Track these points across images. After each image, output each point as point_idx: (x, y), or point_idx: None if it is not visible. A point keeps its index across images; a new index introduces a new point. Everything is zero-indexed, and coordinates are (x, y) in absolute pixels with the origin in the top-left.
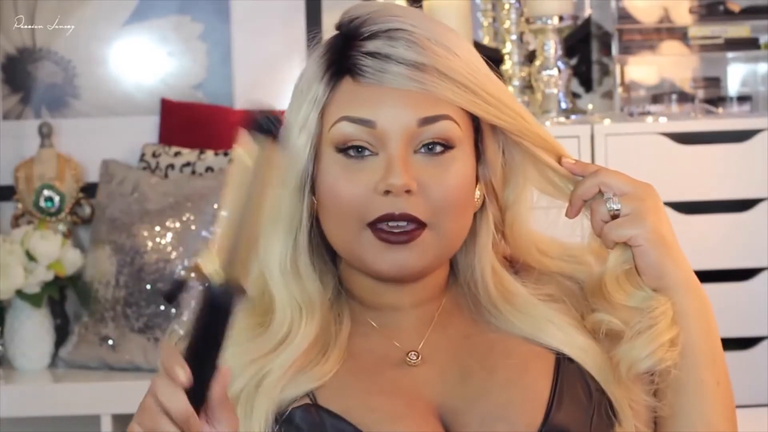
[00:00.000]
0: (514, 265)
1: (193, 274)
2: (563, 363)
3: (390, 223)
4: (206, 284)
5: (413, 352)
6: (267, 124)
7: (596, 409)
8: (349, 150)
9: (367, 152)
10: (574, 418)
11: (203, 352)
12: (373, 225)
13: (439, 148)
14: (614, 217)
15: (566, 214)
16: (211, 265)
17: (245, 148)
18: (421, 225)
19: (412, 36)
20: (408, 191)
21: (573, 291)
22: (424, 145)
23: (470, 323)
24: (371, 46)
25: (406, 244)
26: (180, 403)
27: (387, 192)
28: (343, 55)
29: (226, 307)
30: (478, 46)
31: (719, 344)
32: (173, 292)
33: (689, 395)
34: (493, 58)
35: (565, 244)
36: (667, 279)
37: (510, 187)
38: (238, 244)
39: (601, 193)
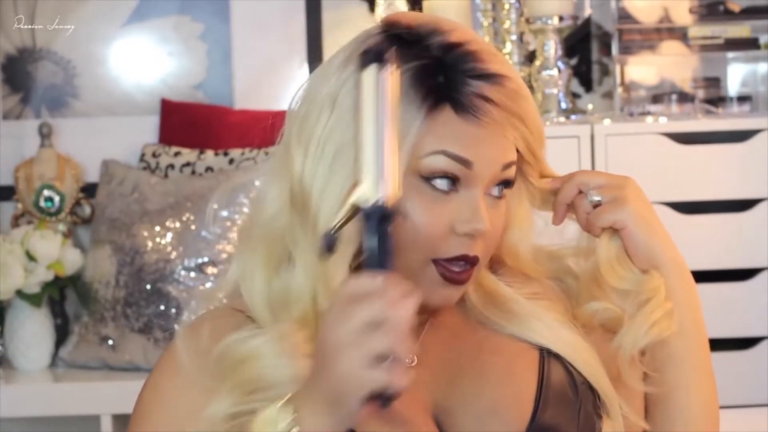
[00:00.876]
0: (498, 266)
1: (344, 213)
2: (547, 359)
3: (459, 262)
4: (366, 212)
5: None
6: (380, 55)
7: (583, 403)
8: (436, 180)
9: (452, 188)
10: (561, 413)
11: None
12: (443, 262)
13: (504, 191)
14: (596, 207)
15: (553, 222)
16: (362, 192)
17: (367, 76)
18: (477, 263)
19: (512, 84)
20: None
21: (557, 290)
22: (495, 186)
23: (459, 324)
24: (484, 88)
25: (463, 284)
26: (409, 311)
27: (468, 234)
28: (448, 85)
29: (388, 223)
30: None
31: (703, 321)
32: (329, 244)
33: (684, 369)
34: None
35: (547, 247)
36: (657, 259)
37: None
38: (382, 161)
39: (581, 193)
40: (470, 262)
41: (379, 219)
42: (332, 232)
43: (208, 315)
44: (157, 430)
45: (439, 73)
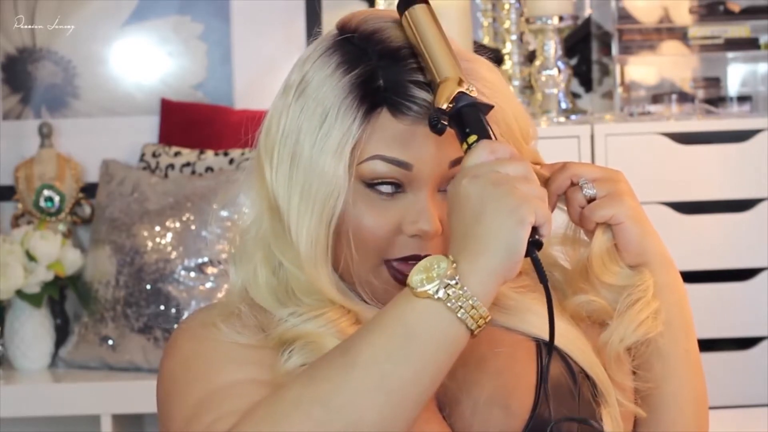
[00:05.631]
0: None
1: (444, 107)
2: (544, 349)
3: (410, 261)
4: (468, 102)
5: None
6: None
7: (581, 391)
8: (379, 186)
9: (397, 190)
10: (561, 401)
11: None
12: (390, 262)
13: None
14: (591, 200)
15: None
16: (446, 92)
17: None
18: None
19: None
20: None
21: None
22: (448, 183)
23: None
24: (418, 86)
25: None
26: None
27: (416, 235)
28: (385, 88)
29: (476, 104)
30: (478, 46)
31: (691, 313)
32: (435, 122)
33: (672, 363)
34: (493, 58)
35: None
36: (647, 255)
37: None
38: (450, 64)
39: (573, 184)
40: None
41: (476, 105)
42: (442, 114)
43: (206, 308)
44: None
45: (378, 77)
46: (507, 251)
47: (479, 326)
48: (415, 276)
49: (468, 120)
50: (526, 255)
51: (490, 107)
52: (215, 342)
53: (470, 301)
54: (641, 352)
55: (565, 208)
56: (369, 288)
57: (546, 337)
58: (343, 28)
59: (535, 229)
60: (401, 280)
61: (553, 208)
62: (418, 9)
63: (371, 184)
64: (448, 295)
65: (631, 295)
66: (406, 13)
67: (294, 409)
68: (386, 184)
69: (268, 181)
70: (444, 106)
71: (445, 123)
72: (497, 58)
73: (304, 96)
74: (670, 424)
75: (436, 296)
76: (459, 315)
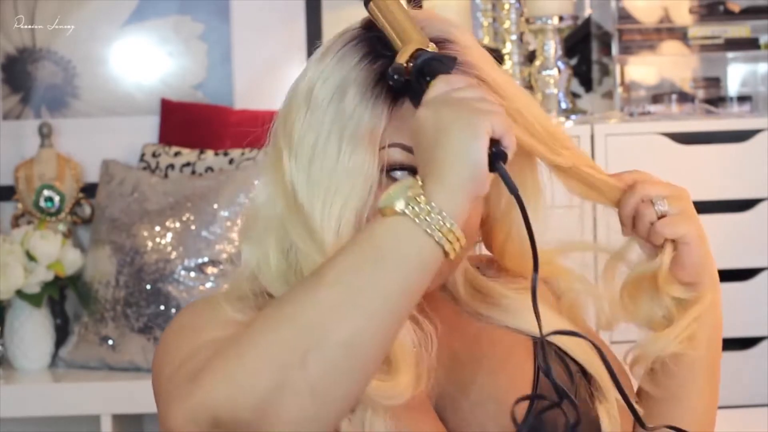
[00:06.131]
0: (488, 268)
1: (407, 57)
2: (546, 347)
3: None
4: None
5: None
6: None
7: (578, 389)
8: (395, 172)
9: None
10: (553, 414)
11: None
12: None
13: None
14: (660, 216)
15: (623, 234)
16: (408, 50)
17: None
18: None
19: (475, 72)
20: None
21: (541, 282)
22: None
23: (455, 317)
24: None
25: None
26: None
27: None
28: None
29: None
30: None
31: (721, 333)
32: (396, 74)
33: (698, 374)
34: (493, 58)
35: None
36: (704, 276)
37: (500, 200)
38: (415, 32)
39: (643, 201)
40: None
41: (437, 58)
42: (401, 68)
43: (213, 293)
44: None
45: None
46: (468, 165)
47: (452, 246)
48: (385, 198)
49: (430, 72)
50: (491, 169)
51: (453, 59)
52: (214, 312)
53: (437, 216)
54: (671, 360)
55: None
56: None
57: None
58: (367, 25)
59: (497, 142)
60: None
61: (630, 231)
62: (378, 3)
63: (389, 170)
64: (413, 209)
65: (688, 309)
66: (371, 3)
67: (263, 331)
68: (403, 170)
69: (287, 168)
70: (403, 62)
71: (401, 77)
72: (497, 58)
73: (328, 85)
74: (679, 422)
75: (402, 211)
76: (426, 229)
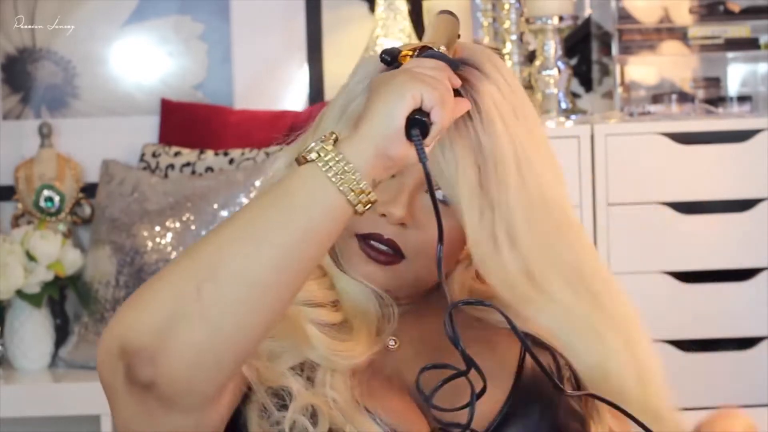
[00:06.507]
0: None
1: (412, 47)
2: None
3: (374, 242)
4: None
5: (392, 339)
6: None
7: (563, 379)
8: None
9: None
10: (543, 381)
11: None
12: (361, 237)
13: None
14: None
15: None
16: (415, 44)
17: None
18: (400, 255)
19: (475, 94)
20: (402, 224)
21: None
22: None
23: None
24: None
25: (382, 265)
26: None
27: (384, 215)
28: None
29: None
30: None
31: None
32: (392, 56)
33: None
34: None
35: None
36: None
37: None
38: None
39: None
40: (386, 243)
41: (441, 57)
42: (394, 50)
43: None
44: None
45: None
46: (383, 121)
47: (360, 199)
48: (303, 147)
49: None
50: (408, 135)
51: (457, 62)
52: None
53: (343, 165)
54: None
55: None
56: (341, 264)
57: (532, 330)
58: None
59: (424, 113)
60: (368, 254)
61: None
62: (442, 15)
63: None
64: (320, 155)
65: None
66: (438, 15)
67: (172, 263)
68: None
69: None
70: (404, 51)
71: (388, 58)
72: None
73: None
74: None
75: (309, 157)
76: (331, 177)
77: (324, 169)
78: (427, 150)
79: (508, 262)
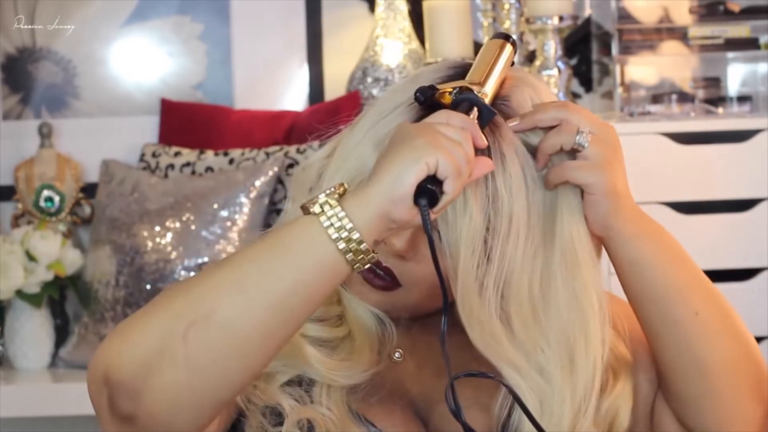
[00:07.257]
0: None
1: (453, 85)
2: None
3: (372, 266)
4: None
5: (397, 351)
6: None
7: None
8: None
9: None
10: None
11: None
12: None
13: None
14: (573, 151)
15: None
16: (455, 84)
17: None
18: (396, 284)
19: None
20: (401, 256)
21: None
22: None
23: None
24: None
25: (379, 291)
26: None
27: (384, 243)
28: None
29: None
30: (479, 46)
31: (693, 275)
32: (426, 96)
33: (667, 339)
34: None
35: None
36: (612, 232)
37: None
38: (493, 77)
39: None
40: (383, 270)
41: (475, 102)
42: (427, 90)
43: None
44: None
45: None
46: (391, 185)
47: (356, 258)
48: (309, 197)
49: (462, 110)
50: (416, 201)
51: (492, 113)
52: None
53: (344, 222)
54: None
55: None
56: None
57: None
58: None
59: (438, 182)
60: (366, 278)
61: (544, 164)
62: (495, 40)
63: None
64: (323, 210)
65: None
66: (491, 39)
67: (165, 297)
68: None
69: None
70: (441, 89)
71: (422, 97)
72: None
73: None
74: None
75: (313, 210)
76: (330, 233)
77: (325, 225)
78: (433, 218)
79: (492, 314)
